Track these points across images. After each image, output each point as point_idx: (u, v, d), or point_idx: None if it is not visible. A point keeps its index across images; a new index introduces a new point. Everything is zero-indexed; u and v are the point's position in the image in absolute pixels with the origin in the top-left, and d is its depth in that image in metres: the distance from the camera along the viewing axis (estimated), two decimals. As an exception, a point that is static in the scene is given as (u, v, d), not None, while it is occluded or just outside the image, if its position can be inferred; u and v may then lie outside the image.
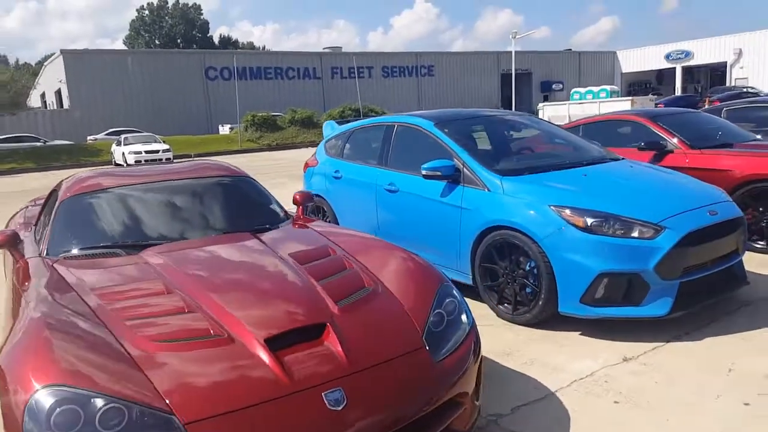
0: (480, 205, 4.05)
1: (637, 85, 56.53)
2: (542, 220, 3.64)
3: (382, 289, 2.50)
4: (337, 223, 5.67)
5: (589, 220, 3.48)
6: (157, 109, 36.49)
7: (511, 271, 3.86)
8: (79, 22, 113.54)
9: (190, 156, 25.18)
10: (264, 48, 77.54)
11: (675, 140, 5.93)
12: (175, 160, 23.16)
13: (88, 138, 30.36)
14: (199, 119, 37.62)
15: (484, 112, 5.65)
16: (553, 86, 53.79)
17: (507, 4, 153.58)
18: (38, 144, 27.58)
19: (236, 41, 75.90)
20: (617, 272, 3.40)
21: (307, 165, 6.35)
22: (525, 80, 53.94)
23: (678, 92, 47.08)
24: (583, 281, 3.45)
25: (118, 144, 23.03)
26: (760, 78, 42.16)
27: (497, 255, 3.93)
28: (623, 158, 4.76)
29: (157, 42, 66.91)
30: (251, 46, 77.70)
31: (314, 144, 31.07)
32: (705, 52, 47.41)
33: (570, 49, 61.01)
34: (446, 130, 4.63)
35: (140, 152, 21.54)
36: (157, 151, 21.83)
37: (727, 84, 44.02)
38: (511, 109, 43.68)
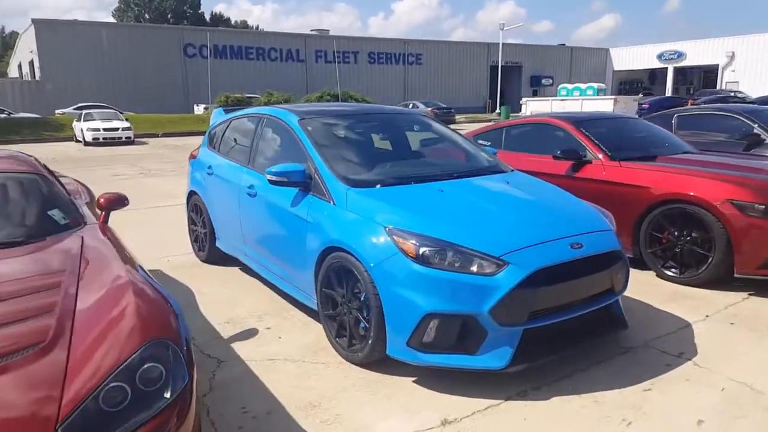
0: (322, 220, 3.44)
1: (629, 83, 56.01)
2: (375, 244, 3.03)
3: (59, 347, 1.89)
4: (212, 227, 5.06)
5: (422, 249, 2.86)
6: (132, 85, 35.49)
7: (347, 300, 3.26)
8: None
9: (156, 135, 24.40)
10: (257, 28, 76.27)
11: (595, 150, 5.34)
12: (137, 139, 22.38)
13: (56, 112, 29.40)
14: (177, 97, 36.68)
15: (369, 109, 5.02)
16: (543, 81, 53.17)
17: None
18: (2, 116, 26.66)
19: (228, 19, 74.59)
20: (449, 313, 2.80)
21: (191, 156, 5.70)
22: (515, 73, 53.26)
23: (669, 93, 46.62)
24: (410, 321, 2.85)
25: (79, 119, 22.15)
26: (750, 82, 41.68)
27: (336, 280, 3.32)
28: (512, 170, 4.16)
29: (147, 16, 65.39)
30: (244, 24, 76.35)
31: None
32: (698, 53, 46.84)
33: (564, 44, 60.24)
34: (309, 128, 4.01)
35: (98, 129, 20.71)
36: (117, 129, 21.01)
37: (718, 87, 43.59)
38: (496, 102, 43.13)
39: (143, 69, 36.06)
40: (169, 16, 65.14)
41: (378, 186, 3.47)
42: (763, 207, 4.18)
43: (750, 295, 4.34)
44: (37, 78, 34.63)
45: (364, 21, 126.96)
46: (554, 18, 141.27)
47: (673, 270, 4.67)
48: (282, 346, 3.50)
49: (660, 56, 49.33)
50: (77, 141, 22.19)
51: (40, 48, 33.43)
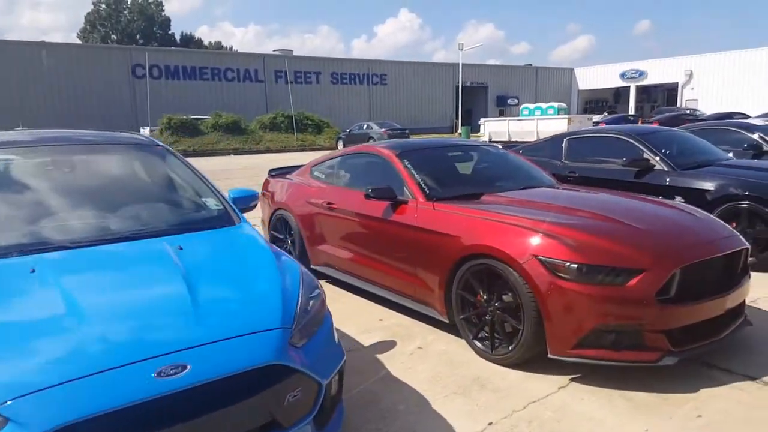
0: None
1: (594, 102, 56.07)
2: None
3: None
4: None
5: None
6: (76, 108, 34.02)
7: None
8: (51, 13, 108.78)
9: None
10: (231, 49, 74.60)
11: (413, 187, 4.30)
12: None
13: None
14: (123, 120, 35.21)
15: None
16: (509, 101, 52.84)
17: (490, 18, 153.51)
18: None
19: (200, 40, 73.12)
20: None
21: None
22: (480, 94, 52.94)
23: (632, 111, 46.54)
24: None
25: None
26: (708, 100, 41.71)
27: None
28: (237, 224, 3.10)
29: (114, 37, 64.04)
30: (218, 46, 74.53)
31: (238, 152, 29.31)
32: (659, 72, 46.95)
33: (531, 64, 60.28)
34: None
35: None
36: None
37: (678, 104, 43.57)
38: (458, 124, 42.46)
39: (88, 90, 34.71)
40: (137, 36, 63.86)
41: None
42: (577, 267, 3.15)
43: (570, 381, 3.29)
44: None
45: (347, 43, 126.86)
46: (531, 39, 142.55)
47: (484, 343, 3.62)
48: None
49: (622, 75, 49.39)
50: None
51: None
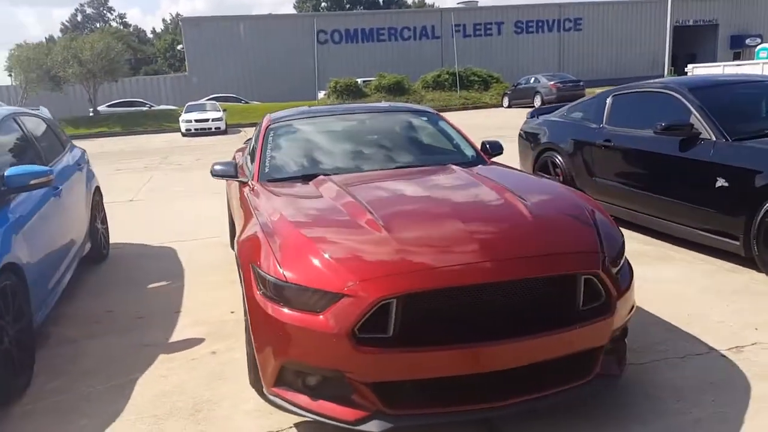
0: None
1: None
2: None
3: None
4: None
5: None
6: (266, 75, 37.37)
7: None
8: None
9: (241, 126, 24.93)
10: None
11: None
12: (232, 128, 23.43)
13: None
14: (308, 84, 37.82)
15: None
16: (747, 41, 42.90)
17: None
18: (144, 109, 30.16)
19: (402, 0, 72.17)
20: None
21: None
22: (707, 34, 44.20)
23: None
24: None
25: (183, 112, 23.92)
26: None
27: None
28: None
29: (324, 4, 67.05)
30: (421, 3, 72.98)
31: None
32: None
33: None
34: None
35: (190, 121, 22.11)
36: (207, 120, 22.15)
37: None
38: (670, 72, 36.37)
39: (277, 58, 37.76)
40: (344, 2, 66.47)
41: None
42: (275, 283, 2.30)
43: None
44: (186, 72, 38.53)
45: None
46: None
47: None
48: None
49: None
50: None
51: (187, 44, 37.10)
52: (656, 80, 5.49)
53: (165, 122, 26.59)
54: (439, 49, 41.19)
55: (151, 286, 4.61)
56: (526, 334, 2.16)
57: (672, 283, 4.00)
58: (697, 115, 4.37)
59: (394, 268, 2.20)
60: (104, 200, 5.83)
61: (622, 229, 5.17)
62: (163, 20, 78.88)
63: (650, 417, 2.44)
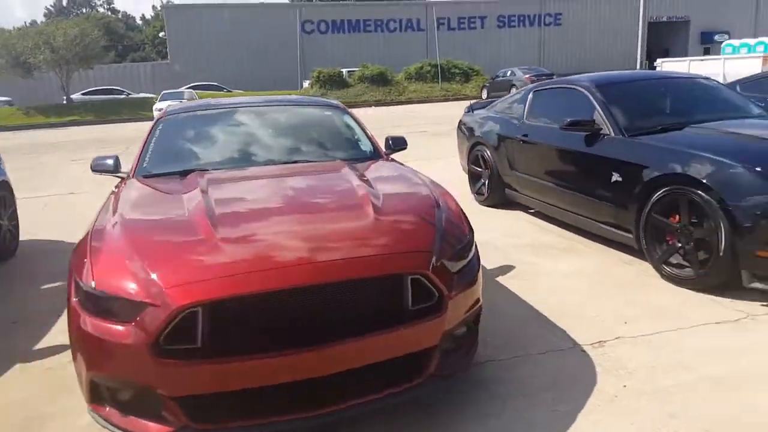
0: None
1: None
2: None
3: None
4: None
5: None
6: (251, 64, 36.97)
7: None
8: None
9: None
10: None
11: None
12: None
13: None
14: (293, 74, 37.51)
15: None
16: (716, 37, 43.53)
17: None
18: (121, 97, 29.77)
19: None
20: None
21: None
22: (679, 30, 44.74)
23: None
24: None
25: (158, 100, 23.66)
26: None
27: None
28: None
29: None
30: None
31: (379, 103, 29.26)
32: None
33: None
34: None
35: (161, 109, 21.81)
36: (177, 109, 21.89)
37: None
38: (643, 66, 36.62)
39: (261, 47, 37.31)
40: None
41: None
42: (86, 290, 2.19)
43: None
44: (168, 60, 38.07)
45: None
46: None
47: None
48: None
49: None
50: (156, 120, 23.76)
51: (169, 32, 36.61)
52: (572, 76, 5.50)
53: (141, 111, 26.32)
54: (424, 42, 41.06)
55: (46, 286, 4.39)
56: (345, 338, 2.09)
57: (568, 275, 3.99)
58: (600, 111, 4.38)
59: (201, 274, 2.10)
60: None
61: (543, 222, 5.26)
62: (153, 7, 78.00)
63: (483, 417, 2.41)
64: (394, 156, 3.99)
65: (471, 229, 2.69)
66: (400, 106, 27.42)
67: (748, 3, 45.45)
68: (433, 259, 2.29)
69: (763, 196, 3.19)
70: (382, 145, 4.00)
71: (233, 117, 4.08)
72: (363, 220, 2.48)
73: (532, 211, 5.65)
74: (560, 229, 5.06)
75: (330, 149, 3.82)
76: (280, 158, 3.58)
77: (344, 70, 31.21)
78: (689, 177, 3.49)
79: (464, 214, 2.81)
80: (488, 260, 4.33)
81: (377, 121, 18.70)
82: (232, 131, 3.91)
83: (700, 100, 4.79)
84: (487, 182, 6.07)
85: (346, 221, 2.54)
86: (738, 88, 7.01)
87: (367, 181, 2.97)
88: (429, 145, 11.19)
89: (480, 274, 2.58)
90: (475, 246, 2.66)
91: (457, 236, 2.54)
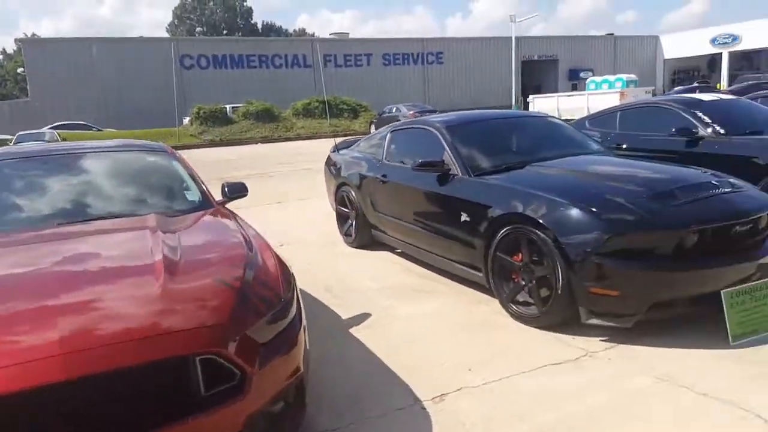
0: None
1: (684, 72, 50.04)
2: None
3: None
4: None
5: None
6: (124, 101, 35.06)
7: None
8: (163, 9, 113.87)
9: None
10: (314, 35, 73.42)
11: None
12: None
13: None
14: (170, 111, 35.98)
15: None
16: (581, 74, 48.14)
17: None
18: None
19: (279, 28, 72.99)
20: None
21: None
22: (549, 68, 48.88)
23: (724, 81, 40.85)
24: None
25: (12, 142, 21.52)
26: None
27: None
28: None
29: (198, 29, 65.81)
30: (301, 33, 73.74)
31: (266, 140, 28.75)
32: (756, 35, 40.58)
33: (612, 34, 54.89)
34: None
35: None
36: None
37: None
38: (523, 101, 39.35)
39: (135, 83, 35.52)
40: (222, 27, 65.10)
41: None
42: None
43: None
44: (27, 98, 35.09)
45: (441, 22, 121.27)
46: (639, 8, 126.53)
47: None
48: None
49: (713, 41, 43.32)
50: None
51: (28, 67, 33.81)
52: (427, 117, 5.56)
53: (-5, 152, 23.74)
54: (312, 78, 41.29)
55: None
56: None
57: (423, 318, 3.88)
58: (449, 151, 4.41)
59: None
60: None
61: (408, 263, 5.15)
62: (16, 40, 72.14)
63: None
64: (231, 204, 3.69)
65: (292, 287, 2.45)
66: (289, 143, 27.11)
67: (608, 46, 50.79)
68: (230, 333, 2.01)
69: (593, 233, 3.26)
70: (217, 193, 3.70)
71: (36, 167, 3.57)
72: (146, 292, 2.14)
73: (398, 251, 5.56)
74: (423, 269, 5.00)
75: (146, 201, 3.41)
76: (77, 216, 3.13)
77: (228, 106, 30.44)
78: (526, 216, 3.53)
79: (285, 270, 2.57)
80: (346, 307, 4.15)
81: (260, 159, 18.29)
82: (31, 184, 3.40)
83: (543, 139, 4.98)
84: (354, 223, 5.93)
85: (125, 295, 2.19)
86: (587, 124, 7.39)
87: (170, 241, 2.61)
88: (313, 184, 10.93)
89: (302, 337, 2.34)
90: (297, 305, 2.43)
91: (268, 300, 2.27)
